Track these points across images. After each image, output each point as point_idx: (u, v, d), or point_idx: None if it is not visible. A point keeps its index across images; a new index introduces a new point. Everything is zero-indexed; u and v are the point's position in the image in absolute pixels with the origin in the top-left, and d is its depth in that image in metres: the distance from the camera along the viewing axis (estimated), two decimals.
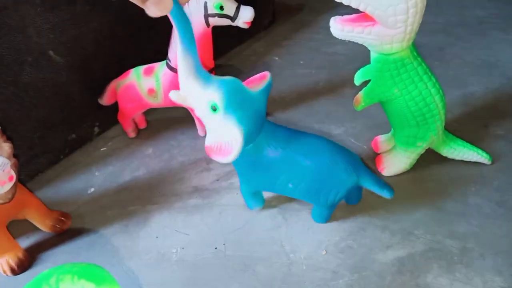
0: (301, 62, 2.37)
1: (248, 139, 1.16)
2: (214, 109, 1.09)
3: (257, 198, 1.47)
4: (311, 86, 2.17)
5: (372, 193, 1.53)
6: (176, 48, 1.03)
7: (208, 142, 1.16)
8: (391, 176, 1.60)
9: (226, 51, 2.48)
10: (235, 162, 1.29)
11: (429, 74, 1.41)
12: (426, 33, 2.48)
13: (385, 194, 1.35)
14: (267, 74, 1.22)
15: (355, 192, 1.46)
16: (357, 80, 1.54)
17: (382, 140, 1.68)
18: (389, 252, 1.36)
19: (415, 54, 1.40)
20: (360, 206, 1.50)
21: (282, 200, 1.53)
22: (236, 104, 1.11)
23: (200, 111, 1.14)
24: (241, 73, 2.31)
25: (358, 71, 1.55)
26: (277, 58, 2.44)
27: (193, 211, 1.54)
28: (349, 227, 1.45)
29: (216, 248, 1.40)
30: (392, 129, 1.60)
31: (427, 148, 1.55)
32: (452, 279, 1.27)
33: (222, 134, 1.12)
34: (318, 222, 1.45)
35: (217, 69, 2.44)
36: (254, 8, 1.53)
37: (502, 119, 1.82)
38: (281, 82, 2.22)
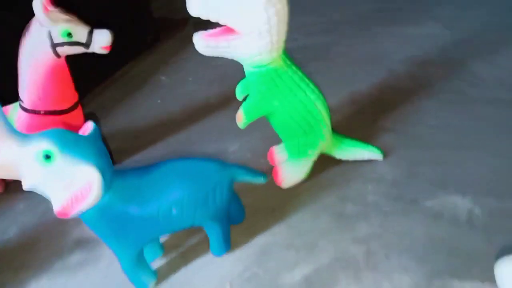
0: (190, 79, 2.25)
1: (105, 176, 1.00)
2: (48, 157, 0.92)
3: (145, 270, 1.23)
4: (202, 103, 2.06)
5: (269, 210, 1.47)
6: (26, 87, 0.88)
7: (57, 205, 0.97)
8: (292, 187, 1.54)
9: (106, 76, 2.27)
10: (103, 235, 1.13)
11: (306, 81, 1.37)
12: (309, 35, 2.51)
13: (260, 180, 1.32)
14: (89, 125, 1.07)
15: (234, 206, 1.37)
16: (239, 95, 1.46)
17: (277, 152, 1.61)
18: (296, 271, 1.27)
19: (289, 63, 1.35)
20: (259, 226, 1.41)
21: (178, 242, 1.39)
22: (71, 143, 0.97)
23: (29, 176, 0.95)
24: (123, 99, 2.13)
25: (238, 85, 1.47)
26: (164, 78, 2.29)
27: (77, 269, 1.33)
28: (252, 252, 1.34)
29: None
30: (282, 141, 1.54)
31: (319, 153, 1.51)
32: (361, 287, 1.22)
33: (70, 183, 0.95)
34: (218, 255, 1.33)
35: (95, 98, 2.26)
36: (114, 30, 1.36)
37: (389, 111, 1.85)
38: (171, 103, 2.07)
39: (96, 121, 1.10)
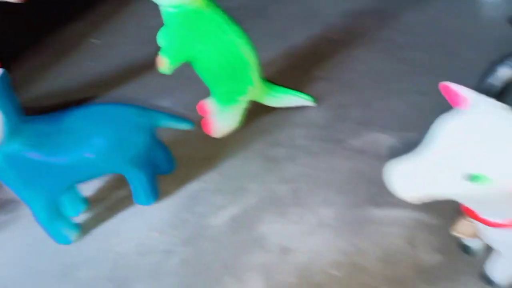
0: (125, 39, 2.18)
1: (10, 119, 0.96)
2: None
3: (64, 222, 1.20)
4: (135, 63, 2.00)
5: (200, 159, 1.46)
6: None
7: None
8: (224, 137, 1.53)
9: (35, 41, 2.16)
10: (14, 185, 1.09)
11: (230, 23, 1.35)
12: None
13: (185, 126, 1.32)
14: None
15: (162, 156, 1.36)
16: (160, 41, 1.43)
17: (208, 102, 1.60)
18: (223, 213, 1.28)
19: (212, 4, 1.32)
20: (190, 175, 1.41)
21: (104, 195, 1.37)
22: None
23: None
24: (53, 63, 2.04)
25: (159, 32, 1.44)
26: (95, 40, 2.20)
27: None
28: (181, 199, 1.34)
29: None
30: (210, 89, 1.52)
31: (249, 100, 1.51)
32: (285, 222, 1.24)
33: None
34: (145, 204, 1.31)
35: (23, 63, 2.16)
36: None
37: (322, 62, 1.87)
38: (103, 64, 2.01)
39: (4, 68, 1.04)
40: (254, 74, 1.44)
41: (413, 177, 0.71)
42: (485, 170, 0.65)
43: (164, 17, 1.31)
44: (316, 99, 1.63)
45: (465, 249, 1.11)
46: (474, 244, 1.09)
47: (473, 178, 0.66)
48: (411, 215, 1.22)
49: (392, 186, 0.74)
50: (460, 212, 0.93)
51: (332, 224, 1.23)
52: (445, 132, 0.71)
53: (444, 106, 0.77)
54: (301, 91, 1.62)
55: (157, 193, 1.32)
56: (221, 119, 1.51)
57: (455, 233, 0.97)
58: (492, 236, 0.89)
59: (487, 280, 1.04)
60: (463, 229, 0.95)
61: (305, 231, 1.22)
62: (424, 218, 1.20)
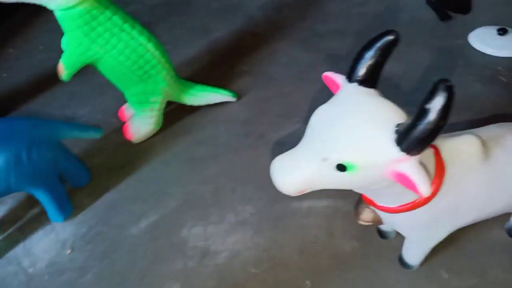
0: (40, 47, 2.06)
1: None
2: None
3: None
4: (51, 70, 1.88)
5: (117, 167, 1.41)
6: None
7: None
8: (144, 141, 1.48)
9: None
10: None
11: (131, 22, 1.29)
12: None
13: (93, 135, 1.28)
14: None
15: (73, 168, 1.29)
16: (64, 46, 1.35)
17: (126, 107, 1.54)
18: (142, 221, 1.24)
19: (107, 3, 1.25)
20: (107, 184, 1.34)
21: (15, 216, 1.29)
22: None
23: None
24: None
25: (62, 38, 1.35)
26: (11, 50, 2.07)
27: None
28: (97, 212, 1.28)
29: None
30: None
31: (165, 101, 1.46)
32: (206, 224, 1.22)
33: None
34: (57, 221, 1.25)
35: None
36: None
37: (246, 56, 1.84)
38: (18, 75, 1.89)
39: None
40: (165, 74, 1.39)
41: (289, 169, 0.71)
42: (348, 157, 0.65)
43: (58, 21, 1.24)
44: (238, 94, 1.61)
45: (381, 234, 1.13)
46: (389, 229, 1.11)
47: (339, 166, 0.66)
48: (329, 204, 1.23)
49: (274, 180, 0.73)
50: (362, 201, 0.94)
51: (251, 221, 1.21)
52: (313, 121, 0.71)
53: None
54: (223, 87, 1.59)
55: (69, 208, 1.26)
56: (137, 123, 1.45)
57: (359, 221, 0.98)
58: (392, 221, 0.90)
59: (401, 262, 1.07)
60: (366, 217, 0.96)
61: (225, 231, 1.20)
62: (341, 206, 1.22)
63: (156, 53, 1.34)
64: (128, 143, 1.48)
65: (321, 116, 0.71)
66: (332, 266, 1.10)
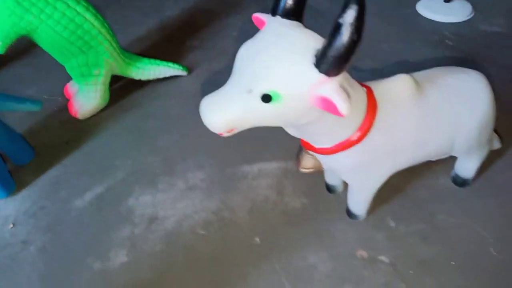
0: None
1: None
2: None
3: None
4: None
5: (62, 144, 1.36)
6: None
7: None
8: (91, 118, 1.43)
9: None
10: None
11: None
12: None
13: (32, 107, 1.20)
14: None
15: (14, 145, 1.24)
16: None
17: (71, 84, 1.49)
18: (87, 194, 1.19)
19: None
20: (52, 160, 1.29)
21: None
22: None
23: None
24: None
25: None
26: None
27: None
28: (41, 188, 1.22)
29: None
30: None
31: (110, 74, 1.41)
32: (154, 192, 1.19)
33: None
34: (0, 198, 1.19)
35: None
36: None
37: (198, 32, 1.82)
38: None
39: None
40: (107, 45, 1.35)
41: (216, 106, 0.69)
42: (271, 85, 0.64)
43: None
44: (189, 68, 1.59)
45: (329, 188, 1.13)
46: (335, 182, 1.11)
47: (264, 97, 0.65)
48: (279, 166, 1.22)
49: (203, 118, 0.71)
50: (302, 148, 0.94)
51: (201, 186, 1.19)
52: (238, 57, 0.70)
53: None
54: (174, 62, 1.56)
55: (11, 184, 1.20)
56: (82, 98, 1.40)
57: (301, 169, 0.98)
58: (330, 164, 0.90)
59: (348, 213, 1.07)
60: (306, 163, 0.96)
61: (174, 197, 1.17)
62: (291, 167, 1.21)
63: (96, 22, 1.30)
64: (74, 120, 1.43)
65: (245, 51, 0.70)
66: (281, 222, 1.09)
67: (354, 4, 0.57)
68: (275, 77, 0.64)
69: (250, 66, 0.67)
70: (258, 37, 0.71)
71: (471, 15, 1.76)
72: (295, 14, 0.70)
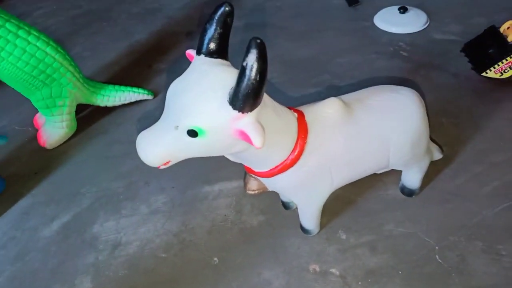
0: None
1: None
2: None
3: None
4: None
5: (31, 174, 1.40)
6: None
7: None
8: (59, 146, 1.48)
9: None
10: None
11: (27, 28, 1.29)
12: (92, 1, 2.41)
13: None
14: None
15: None
16: None
17: (39, 115, 1.53)
18: (54, 223, 1.24)
19: None
20: (21, 190, 1.34)
21: None
22: None
23: None
24: None
25: None
26: None
27: None
28: (11, 218, 1.27)
29: None
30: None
31: (75, 104, 1.46)
32: (118, 218, 1.23)
33: None
34: None
35: None
36: None
37: (164, 55, 1.87)
38: None
39: None
40: (70, 76, 1.39)
41: (149, 142, 0.74)
42: (193, 122, 0.69)
43: None
44: (154, 92, 1.64)
45: (284, 205, 1.18)
46: (289, 199, 1.16)
47: (189, 132, 0.71)
48: (239, 185, 1.27)
49: (138, 153, 0.76)
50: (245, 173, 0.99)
51: (163, 209, 1.24)
52: (168, 94, 0.75)
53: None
54: (141, 86, 1.61)
55: None
56: (49, 128, 1.46)
57: (247, 191, 1.03)
58: (273, 185, 0.95)
59: (301, 228, 1.12)
60: (252, 186, 1.01)
61: (137, 222, 1.22)
62: None
63: (57, 56, 1.35)
64: (43, 150, 1.48)
65: (173, 88, 0.75)
66: (239, 240, 1.14)
67: (254, 49, 0.63)
68: (197, 114, 0.70)
69: (176, 103, 0.72)
70: (184, 75, 0.76)
71: (427, 25, 1.83)
72: (217, 53, 0.75)
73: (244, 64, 0.64)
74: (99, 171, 1.38)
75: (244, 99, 0.66)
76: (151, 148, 0.74)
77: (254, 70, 0.63)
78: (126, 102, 1.58)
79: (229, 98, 0.68)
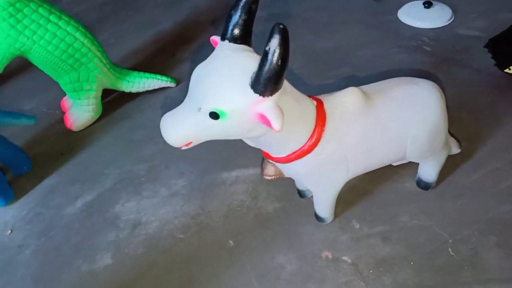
0: None
1: None
2: None
3: None
4: None
5: (57, 154, 1.46)
6: None
7: None
8: (85, 129, 1.54)
9: None
10: None
11: (58, 14, 1.34)
12: None
13: (27, 122, 1.29)
14: None
15: (12, 156, 1.35)
16: None
17: (67, 98, 1.59)
18: (78, 202, 1.30)
19: None
20: (47, 170, 1.40)
21: None
22: None
23: None
24: None
25: None
26: None
27: None
28: (37, 196, 1.33)
29: None
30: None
31: (101, 89, 1.51)
32: (139, 199, 1.28)
33: None
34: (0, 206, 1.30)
35: None
36: None
37: (188, 44, 1.91)
38: None
39: None
40: (98, 61, 1.44)
41: (173, 123, 0.78)
42: (215, 104, 0.72)
43: None
44: (178, 80, 1.68)
45: (300, 193, 1.21)
46: (305, 187, 1.18)
47: (212, 114, 0.73)
48: (255, 172, 1.29)
49: (162, 133, 0.80)
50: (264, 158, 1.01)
51: (182, 193, 1.28)
52: (192, 78, 0.78)
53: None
54: (164, 74, 1.66)
55: (10, 193, 1.31)
56: (76, 111, 1.51)
57: (264, 177, 1.05)
58: (289, 171, 0.97)
59: (316, 216, 1.14)
60: (269, 171, 1.03)
61: (157, 203, 1.26)
62: None
63: (86, 41, 1.40)
64: (69, 132, 1.53)
65: (197, 73, 0.78)
66: (254, 225, 1.17)
67: (277, 34, 0.65)
68: (219, 97, 0.72)
69: (200, 86, 0.75)
70: (208, 60, 0.79)
71: (451, 20, 1.81)
72: (241, 39, 0.78)
73: (267, 48, 0.66)
74: (122, 154, 1.43)
75: (266, 83, 0.68)
76: (175, 129, 0.78)
77: (276, 54, 0.65)
78: (150, 88, 1.62)
79: (251, 82, 0.70)
